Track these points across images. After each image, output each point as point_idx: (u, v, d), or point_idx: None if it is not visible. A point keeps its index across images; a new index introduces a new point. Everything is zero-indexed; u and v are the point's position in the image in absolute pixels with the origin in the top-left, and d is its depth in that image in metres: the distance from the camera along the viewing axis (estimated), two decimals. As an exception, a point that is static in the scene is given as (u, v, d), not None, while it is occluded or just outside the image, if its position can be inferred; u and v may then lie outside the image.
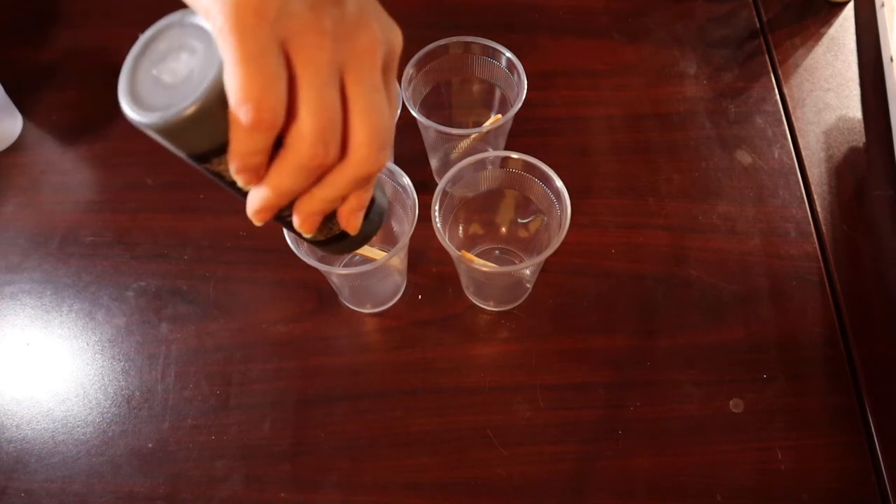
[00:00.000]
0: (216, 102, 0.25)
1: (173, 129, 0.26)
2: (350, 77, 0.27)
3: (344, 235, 0.35)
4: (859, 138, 0.65)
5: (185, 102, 0.25)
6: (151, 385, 0.54)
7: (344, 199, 0.31)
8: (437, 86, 0.59)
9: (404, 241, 0.47)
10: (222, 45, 0.24)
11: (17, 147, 0.65)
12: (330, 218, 0.33)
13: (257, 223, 0.30)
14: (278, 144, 0.27)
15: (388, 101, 0.29)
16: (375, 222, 0.36)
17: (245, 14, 0.24)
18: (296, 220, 0.31)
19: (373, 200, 0.35)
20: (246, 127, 0.25)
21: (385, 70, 0.29)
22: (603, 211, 0.62)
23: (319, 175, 0.29)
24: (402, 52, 0.31)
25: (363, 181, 0.29)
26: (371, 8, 0.28)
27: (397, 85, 0.30)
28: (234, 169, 0.27)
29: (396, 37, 0.30)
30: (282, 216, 0.32)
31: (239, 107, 0.25)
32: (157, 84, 0.27)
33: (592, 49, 0.71)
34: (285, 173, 0.28)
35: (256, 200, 0.29)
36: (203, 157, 0.28)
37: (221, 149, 0.27)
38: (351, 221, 0.33)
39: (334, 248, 0.37)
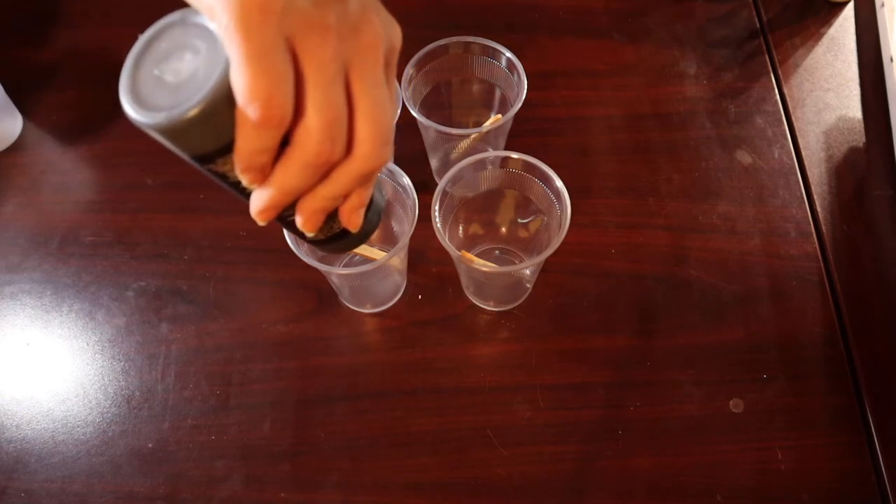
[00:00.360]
0: (222, 102, 0.25)
1: (178, 130, 0.26)
2: (354, 73, 0.27)
3: (344, 234, 0.35)
4: (859, 138, 0.65)
5: (191, 102, 0.25)
6: (151, 385, 0.54)
7: (346, 196, 0.32)
8: (437, 86, 0.59)
9: (404, 241, 0.47)
10: (229, 44, 0.24)
11: (17, 147, 0.65)
12: (331, 217, 0.33)
13: (261, 223, 0.30)
14: (282, 143, 0.27)
15: (390, 97, 0.29)
16: (374, 221, 0.36)
17: (251, 12, 0.24)
18: (299, 220, 0.31)
19: (371, 199, 0.35)
20: (254, 125, 0.25)
21: (386, 66, 0.29)
22: (603, 211, 0.62)
23: (324, 172, 0.29)
24: (401, 52, 0.31)
25: (367, 177, 0.30)
26: (372, 4, 0.28)
27: (397, 83, 0.30)
28: (241, 168, 0.27)
29: (397, 33, 0.30)
30: (283, 216, 0.32)
31: (247, 105, 0.25)
32: (159, 84, 0.26)
33: (592, 49, 0.71)
34: (291, 171, 0.28)
35: (261, 200, 0.29)
36: (207, 158, 0.28)
37: (226, 149, 0.27)
38: (352, 219, 0.33)
39: (334, 246, 0.37)
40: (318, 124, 0.26)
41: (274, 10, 0.24)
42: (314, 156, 0.27)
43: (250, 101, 0.24)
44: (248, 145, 0.26)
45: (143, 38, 0.27)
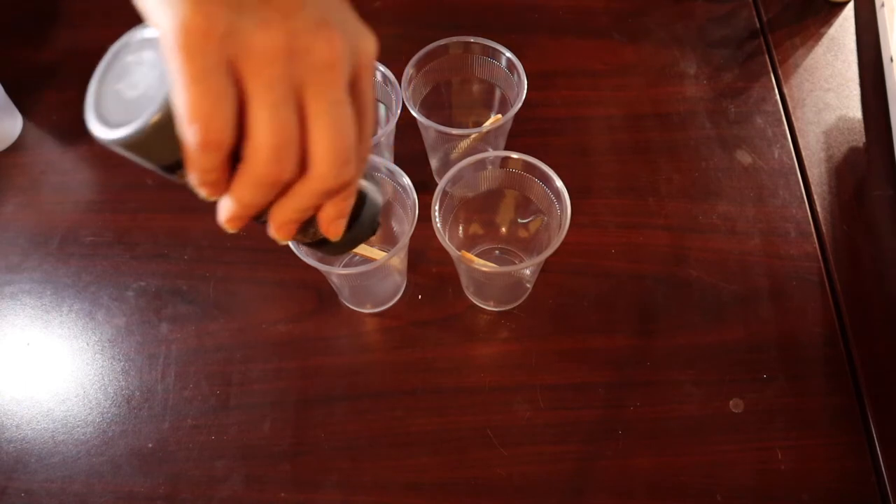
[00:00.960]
0: (169, 119, 0.25)
1: (131, 146, 0.26)
2: (308, 92, 0.27)
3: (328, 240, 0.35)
4: (859, 138, 0.65)
5: (139, 120, 0.26)
6: (151, 385, 0.54)
7: (320, 207, 0.31)
8: (437, 86, 0.59)
9: (404, 241, 0.47)
10: (170, 65, 0.24)
11: (17, 147, 0.65)
12: (310, 224, 0.32)
13: (230, 231, 0.30)
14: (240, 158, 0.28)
15: (361, 112, 0.29)
16: (367, 226, 0.36)
17: (191, 34, 0.24)
18: (270, 229, 0.31)
19: (363, 204, 0.35)
20: (195, 146, 0.25)
21: (355, 80, 0.28)
22: (603, 211, 0.62)
23: (280, 189, 0.28)
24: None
25: (328, 194, 0.29)
26: (334, 17, 0.27)
27: (374, 94, 0.30)
28: (194, 183, 0.27)
29: (367, 45, 0.29)
30: (262, 221, 0.32)
31: (187, 127, 0.25)
32: (118, 99, 0.27)
33: (592, 49, 0.71)
34: (245, 187, 0.28)
35: (224, 211, 0.29)
36: (167, 170, 0.28)
37: (181, 163, 0.27)
38: (331, 229, 0.32)
39: (325, 250, 0.36)
40: (264, 145, 0.26)
41: (214, 33, 0.24)
42: (263, 175, 0.27)
43: (189, 123, 0.25)
44: (195, 164, 0.26)
45: (110, 51, 0.28)
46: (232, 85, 0.25)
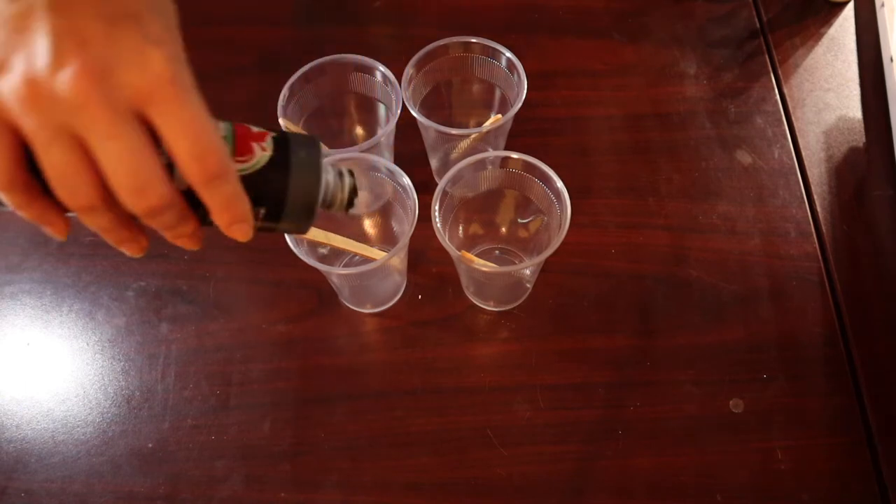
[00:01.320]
0: None
1: None
2: (77, 130, 0.27)
3: (268, 227, 0.34)
4: (859, 138, 0.65)
5: None
6: (151, 385, 0.54)
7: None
8: (437, 86, 0.59)
9: (404, 241, 0.47)
10: None
11: (17, 147, 0.65)
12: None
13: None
14: None
15: (165, 136, 0.28)
16: (303, 215, 0.34)
17: None
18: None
19: (284, 200, 0.33)
20: None
21: (142, 106, 0.28)
22: (603, 211, 0.62)
23: (106, 210, 0.29)
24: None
25: (151, 216, 0.30)
26: (90, 50, 0.27)
27: (181, 111, 0.27)
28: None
29: (147, 69, 0.28)
30: None
31: None
32: None
33: (592, 49, 0.71)
34: (78, 214, 0.29)
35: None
36: None
37: None
38: (231, 234, 0.33)
39: (278, 231, 0.36)
40: (51, 180, 0.28)
41: None
42: (69, 204, 0.28)
43: None
44: (8, 204, 0.29)
45: None
46: (5, 132, 0.27)
